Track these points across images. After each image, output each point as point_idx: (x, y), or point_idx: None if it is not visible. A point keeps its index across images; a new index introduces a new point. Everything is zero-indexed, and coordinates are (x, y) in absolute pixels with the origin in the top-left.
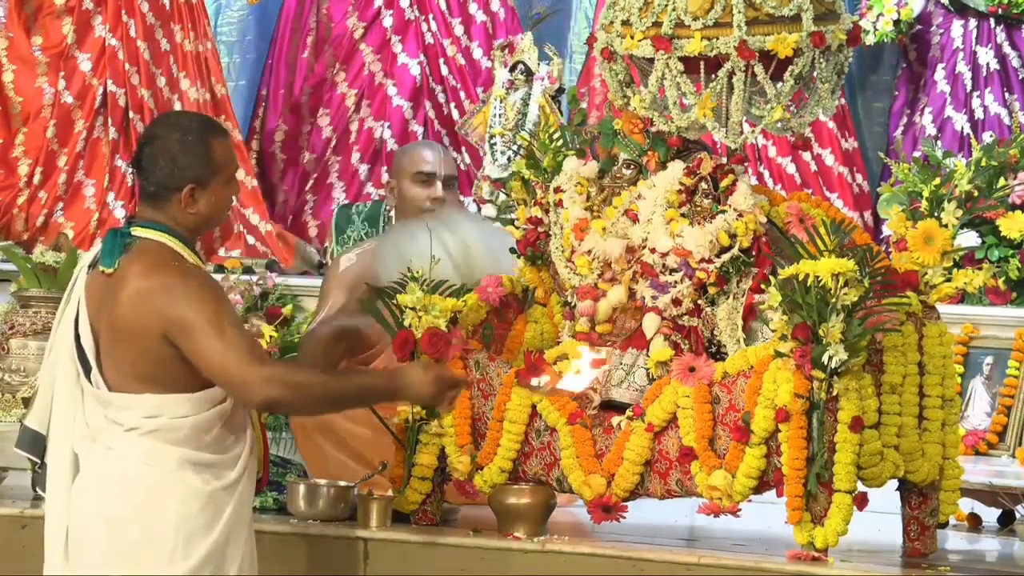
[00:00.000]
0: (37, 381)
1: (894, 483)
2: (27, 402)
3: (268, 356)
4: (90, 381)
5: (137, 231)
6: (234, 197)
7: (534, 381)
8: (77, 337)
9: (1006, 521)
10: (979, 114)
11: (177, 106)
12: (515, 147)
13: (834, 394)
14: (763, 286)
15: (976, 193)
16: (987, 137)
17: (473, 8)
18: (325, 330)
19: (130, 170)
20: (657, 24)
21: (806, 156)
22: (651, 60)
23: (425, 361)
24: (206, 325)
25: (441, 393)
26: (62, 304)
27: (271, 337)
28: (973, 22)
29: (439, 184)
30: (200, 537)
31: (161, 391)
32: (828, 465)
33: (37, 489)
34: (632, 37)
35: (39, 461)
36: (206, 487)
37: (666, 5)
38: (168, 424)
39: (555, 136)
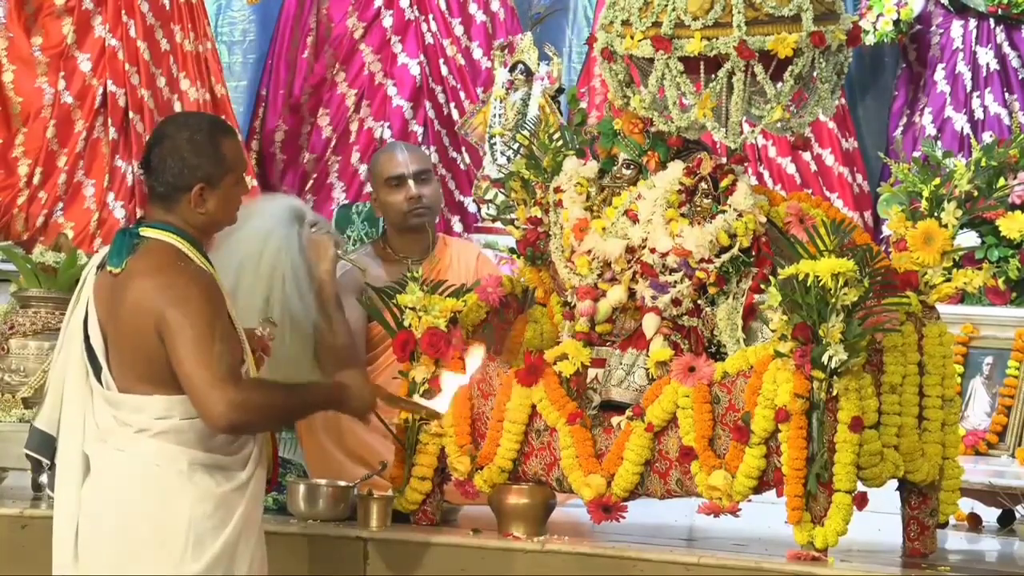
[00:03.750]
0: (46, 382)
1: (894, 483)
2: (27, 402)
3: (241, 378)
4: (100, 382)
5: (145, 231)
6: (243, 198)
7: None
8: (87, 338)
9: (1006, 521)
10: (979, 114)
11: (177, 106)
12: (515, 147)
13: (834, 394)
14: (763, 286)
15: (976, 193)
16: (987, 137)
17: (473, 8)
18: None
19: (130, 170)
20: (657, 24)
21: (806, 156)
22: (651, 60)
23: (364, 375)
24: (192, 334)
25: (371, 406)
26: (71, 305)
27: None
28: (973, 22)
29: (411, 183)
30: (211, 538)
31: (170, 392)
32: (828, 465)
33: (48, 490)
34: (632, 37)
35: (49, 462)
36: (218, 489)
37: (666, 5)
38: (178, 425)
39: (555, 136)
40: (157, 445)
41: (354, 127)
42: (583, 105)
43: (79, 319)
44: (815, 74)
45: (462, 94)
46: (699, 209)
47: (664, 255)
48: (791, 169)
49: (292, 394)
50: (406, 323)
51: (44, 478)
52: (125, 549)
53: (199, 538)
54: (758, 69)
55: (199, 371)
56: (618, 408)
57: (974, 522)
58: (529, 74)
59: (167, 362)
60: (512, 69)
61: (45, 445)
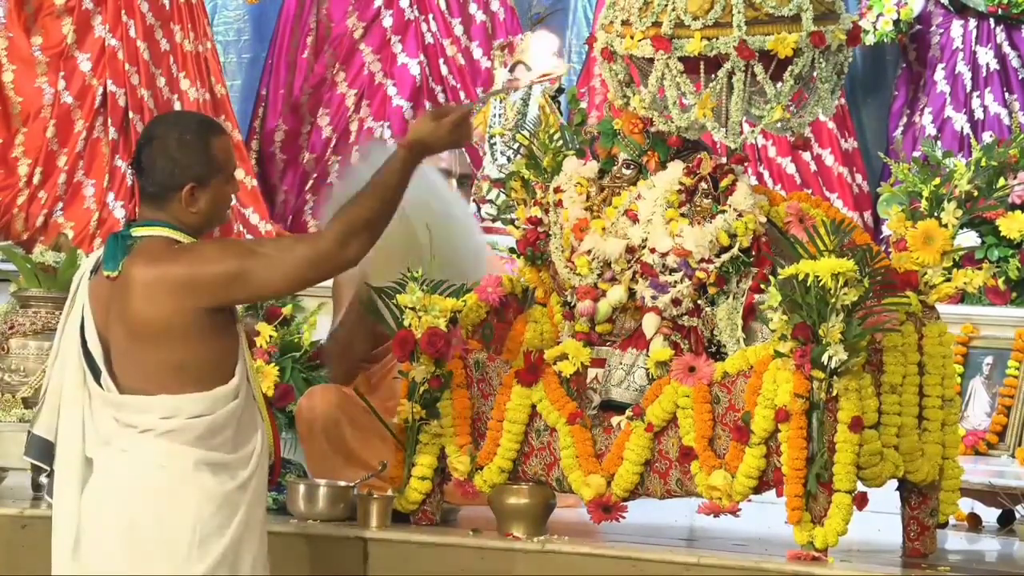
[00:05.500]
0: (42, 388)
1: (894, 483)
2: (27, 402)
3: (318, 231)
4: (100, 385)
5: (137, 231)
6: (233, 196)
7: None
8: (84, 343)
9: (1006, 521)
10: (979, 114)
11: (177, 106)
12: (515, 147)
13: (834, 394)
14: (763, 286)
15: (976, 193)
16: (987, 137)
17: (473, 8)
18: (343, 333)
19: (130, 170)
20: (657, 24)
21: (806, 156)
22: (651, 60)
23: (428, 113)
24: (249, 258)
25: (458, 130)
26: (65, 311)
27: (271, 337)
28: (973, 22)
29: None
30: (215, 538)
31: (178, 391)
32: (828, 465)
33: (47, 497)
34: (632, 37)
35: (48, 468)
36: (222, 488)
37: (666, 5)
38: (184, 424)
39: (555, 136)
40: (162, 445)
41: (354, 127)
42: (583, 105)
43: (75, 324)
44: (815, 74)
45: (462, 94)
46: (699, 209)
47: (664, 255)
48: (791, 169)
49: (372, 190)
50: (406, 323)
51: (44, 479)
52: (130, 550)
53: (204, 538)
54: (758, 69)
55: (293, 259)
56: (618, 408)
57: (974, 522)
58: None
59: (193, 344)
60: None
61: (44, 451)
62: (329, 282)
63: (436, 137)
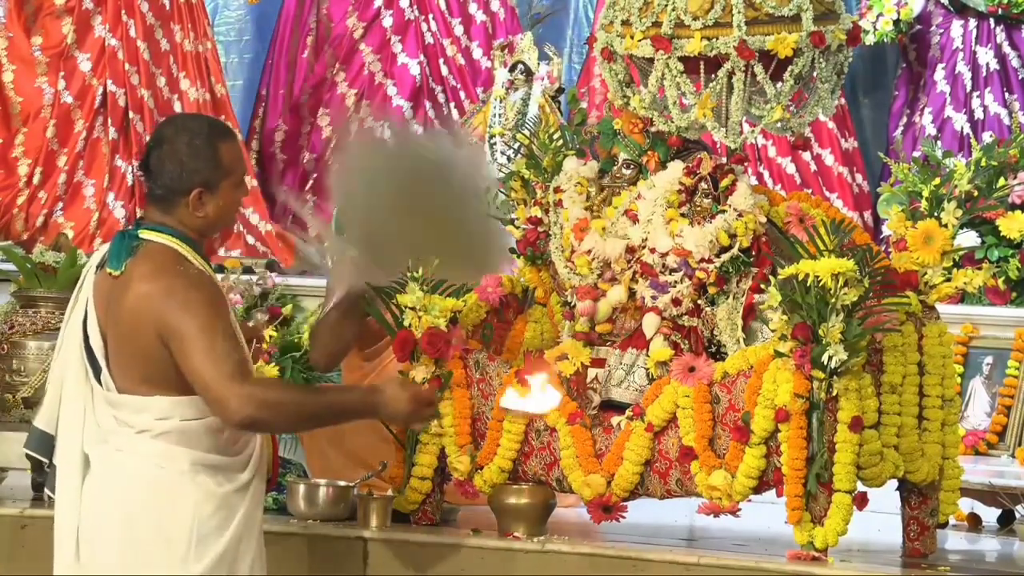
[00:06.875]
0: (46, 381)
1: (894, 483)
2: (27, 402)
3: (252, 374)
4: (100, 382)
5: (145, 234)
6: (242, 200)
7: (510, 403)
8: (86, 338)
9: (1006, 521)
10: (979, 114)
11: (177, 106)
12: (515, 147)
13: (834, 394)
14: (763, 286)
15: (976, 193)
16: (987, 137)
17: (473, 8)
18: (333, 315)
19: (130, 170)
20: (657, 24)
21: (806, 156)
22: (651, 60)
23: (402, 379)
24: (198, 334)
25: (417, 412)
26: (70, 304)
27: (271, 337)
28: (973, 22)
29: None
30: (213, 538)
31: (171, 393)
32: (828, 465)
33: (47, 490)
34: (632, 37)
35: (47, 461)
36: (219, 489)
37: (666, 5)
38: (180, 426)
39: (555, 136)
40: (159, 446)
41: (354, 127)
42: (583, 105)
43: (78, 319)
44: (815, 74)
45: (462, 94)
46: (699, 209)
47: (664, 255)
48: (791, 169)
49: (314, 395)
50: (406, 323)
51: (46, 471)
52: (129, 549)
53: (202, 538)
54: (758, 69)
55: (207, 370)
56: (618, 408)
57: (974, 522)
58: (529, 74)
59: (168, 364)
60: (512, 69)
61: (44, 444)
62: (318, 280)
63: (394, 401)
